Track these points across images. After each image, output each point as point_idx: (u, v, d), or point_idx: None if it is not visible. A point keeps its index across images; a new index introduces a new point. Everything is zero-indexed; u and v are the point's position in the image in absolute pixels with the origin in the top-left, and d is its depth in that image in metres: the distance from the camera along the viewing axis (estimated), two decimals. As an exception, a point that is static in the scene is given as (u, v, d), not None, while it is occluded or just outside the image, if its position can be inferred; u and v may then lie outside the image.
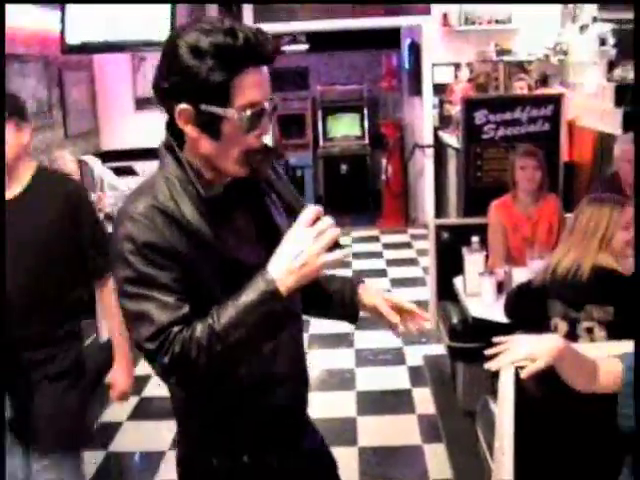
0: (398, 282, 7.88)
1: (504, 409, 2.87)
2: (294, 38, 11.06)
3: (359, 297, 2.19)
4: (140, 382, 5.46)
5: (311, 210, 1.71)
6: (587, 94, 8.85)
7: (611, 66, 8.73)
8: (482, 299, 4.07)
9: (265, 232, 1.93)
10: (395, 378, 5.52)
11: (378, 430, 4.73)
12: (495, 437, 3.03)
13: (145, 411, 5.17)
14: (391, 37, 11.42)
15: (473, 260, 4.17)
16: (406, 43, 10.88)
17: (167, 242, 1.75)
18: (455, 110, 8.43)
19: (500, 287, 4.10)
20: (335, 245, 1.69)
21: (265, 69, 1.78)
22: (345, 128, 12.38)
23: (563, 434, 2.82)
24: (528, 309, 3.47)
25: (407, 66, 10.85)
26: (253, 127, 1.77)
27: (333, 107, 12.51)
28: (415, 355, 5.85)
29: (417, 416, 4.92)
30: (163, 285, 1.73)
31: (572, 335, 3.18)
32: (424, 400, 5.12)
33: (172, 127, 1.83)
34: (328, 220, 1.69)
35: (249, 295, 1.68)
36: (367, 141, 12.16)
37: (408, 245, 9.49)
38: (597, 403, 2.56)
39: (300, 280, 1.69)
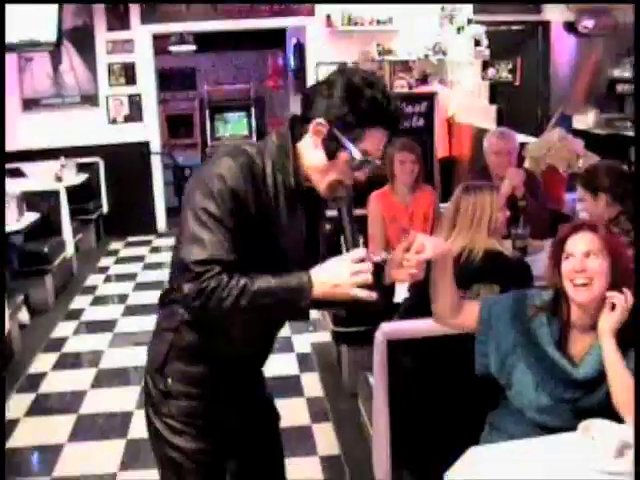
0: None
1: (379, 381, 3.12)
2: (182, 38, 11.11)
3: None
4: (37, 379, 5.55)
5: (360, 252, 2.09)
6: (464, 92, 9.27)
7: (485, 65, 9.18)
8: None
9: (308, 244, 2.32)
10: (284, 365, 5.69)
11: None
12: (373, 405, 3.27)
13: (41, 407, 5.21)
14: (277, 37, 11.62)
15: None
16: (291, 43, 11.10)
17: (246, 200, 2.08)
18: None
19: (378, 271, 4.32)
20: (367, 287, 2.04)
21: (387, 134, 2.16)
22: (233, 127, 12.53)
23: (433, 399, 3.07)
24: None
25: (292, 66, 11.06)
26: (358, 168, 2.16)
27: (221, 107, 12.64)
28: (303, 343, 6.06)
29: (306, 399, 5.13)
30: (229, 229, 2.05)
31: None
32: (312, 384, 5.34)
33: (296, 129, 2.19)
34: (367, 266, 2.05)
35: (288, 280, 2.05)
36: (254, 140, 12.29)
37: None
38: (461, 372, 2.83)
39: (326, 295, 2.06)
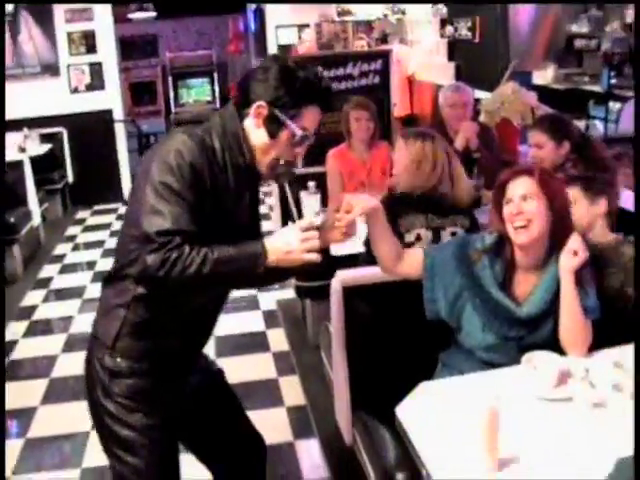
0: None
1: (337, 326, 3.24)
2: (141, 5, 11.06)
3: None
4: (9, 346, 5.61)
5: (307, 221, 2.30)
6: (424, 50, 9.33)
7: (444, 23, 9.23)
8: (319, 237, 4.35)
9: (252, 220, 2.49)
10: (251, 322, 5.82)
11: (237, 369, 4.96)
12: (332, 351, 3.39)
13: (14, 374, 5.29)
14: (237, 2, 11.59)
15: (310, 202, 4.49)
16: (251, 7, 11.09)
17: (203, 174, 2.19)
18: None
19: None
20: (319, 251, 2.22)
21: (321, 111, 2.33)
22: (196, 93, 12.52)
23: (388, 342, 3.19)
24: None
25: (253, 29, 11.07)
26: (299, 144, 2.30)
27: (183, 73, 12.62)
28: (269, 300, 6.17)
29: (272, 354, 5.25)
30: (188, 202, 2.14)
31: (437, 242, 3.55)
32: (278, 339, 5.47)
33: (238, 111, 2.32)
34: (314, 234, 2.22)
35: (245, 248, 2.18)
36: (218, 105, 12.30)
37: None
38: (415, 315, 2.94)
39: (280, 261, 2.21)
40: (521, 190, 2.71)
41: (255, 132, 2.29)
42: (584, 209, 3.03)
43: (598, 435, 2.19)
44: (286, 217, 5.36)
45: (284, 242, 2.21)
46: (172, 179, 2.13)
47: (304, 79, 2.24)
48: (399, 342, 3.18)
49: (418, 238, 3.57)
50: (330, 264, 2.58)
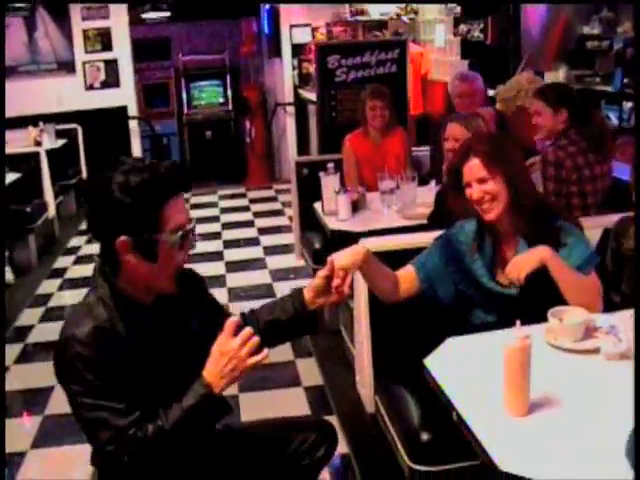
0: (264, 231, 8.20)
1: (360, 294, 3.27)
2: (155, 5, 11.14)
3: (304, 297, 2.47)
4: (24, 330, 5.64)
5: (232, 322, 2.07)
6: (436, 49, 9.37)
7: (456, 22, 9.27)
8: (339, 215, 4.40)
9: (186, 338, 2.26)
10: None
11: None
12: (355, 323, 3.43)
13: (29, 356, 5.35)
14: (250, 4, 11.64)
15: (329, 181, 4.51)
16: (265, 8, 11.14)
17: (112, 357, 2.03)
18: (314, 67, 8.77)
19: (355, 206, 4.48)
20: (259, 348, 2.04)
21: (183, 196, 2.15)
22: (208, 96, 12.54)
23: (410, 308, 3.20)
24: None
25: (266, 30, 11.11)
26: (182, 246, 2.12)
27: (196, 75, 12.64)
28: (284, 289, 6.16)
29: (289, 341, 5.26)
30: (115, 394, 2.02)
31: None
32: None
33: (106, 257, 2.14)
34: (248, 330, 2.05)
35: (190, 399, 2.04)
36: (231, 107, 12.33)
37: (274, 199, 9.82)
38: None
39: (231, 381, 2.06)
40: (476, 174, 2.75)
41: (135, 268, 2.11)
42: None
43: (624, 386, 2.19)
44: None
45: (222, 362, 2.04)
46: (85, 386, 2.02)
47: (141, 183, 2.03)
48: (421, 310, 3.20)
49: None
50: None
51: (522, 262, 2.63)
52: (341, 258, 2.49)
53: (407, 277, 2.93)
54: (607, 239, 3.06)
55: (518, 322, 2.08)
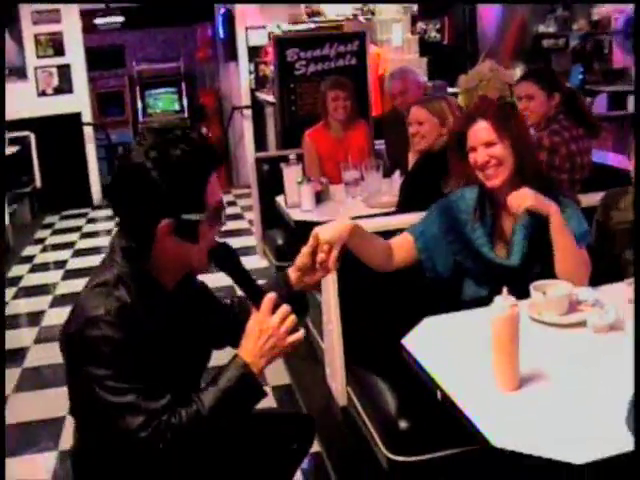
0: (225, 234, 7.87)
1: (329, 284, 3.14)
2: (108, 10, 10.98)
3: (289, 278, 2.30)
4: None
5: (270, 298, 1.94)
6: (394, 48, 9.32)
7: (414, 21, 9.26)
8: (302, 205, 4.29)
9: (203, 328, 2.17)
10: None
11: (215, 354, 4.90)
12: (324, 313, 3.30)
13: None
14: (204, 8, 11.52)
15: (291, 172, 4.37)
16: (219, 12, 11.02)
17: (138, 338, 1.87)
18: (271, 69, 8.65)
19: (318, 197, 4.36)
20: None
21: (217, 173, 2.01)
22: (164, 103, 12.41)
23: (381, 296, 3.09)
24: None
25: (222, 34, 10.98)
26: (219, 222, 2.02)
27: (151, 83, 12.50)
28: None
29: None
30: (144, 377, 1.86)
31: None
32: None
33: (138, 239, 1.97)
34: (286, 307, 1.93)
35: (227, 381, 1.90)
36: (186, 114, 12.20)
37: (233, 203, 9.63)
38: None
39: (270, 361, 1.94)
40: (484, 137, 2.66)
41: (172, 250, 1.98)
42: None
43: (615, 358, 2.09)
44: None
45: (261, 340, 1.92)
46: (112, 370, 1.87)
47: (183, 162, 1.91)
48: (392, 297, 3.08)
49: None
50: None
51: (527, 194, 2.57)
52: (326, 231, 2.32)
53: (404, 246, 2.80)
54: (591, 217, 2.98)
55: (505, 289, 1.95)
